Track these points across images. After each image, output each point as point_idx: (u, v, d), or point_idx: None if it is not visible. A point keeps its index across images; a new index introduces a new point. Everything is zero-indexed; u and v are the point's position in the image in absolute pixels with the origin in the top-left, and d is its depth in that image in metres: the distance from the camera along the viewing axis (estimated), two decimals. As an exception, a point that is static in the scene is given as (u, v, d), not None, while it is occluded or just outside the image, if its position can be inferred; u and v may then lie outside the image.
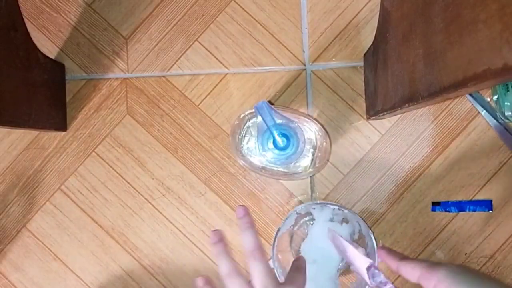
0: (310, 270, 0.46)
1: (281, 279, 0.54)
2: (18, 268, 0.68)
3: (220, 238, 0.44)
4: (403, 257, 0.44)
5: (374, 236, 0.55)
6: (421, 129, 0.66)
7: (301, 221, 0.63)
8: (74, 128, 0.68)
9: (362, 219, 0.57)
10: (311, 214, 0.62)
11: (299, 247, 0.62)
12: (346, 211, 0.57)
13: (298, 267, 0.45)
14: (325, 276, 0.57)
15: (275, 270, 0.56)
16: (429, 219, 0.66)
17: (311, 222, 0.63)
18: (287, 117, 0.54)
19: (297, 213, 0.59)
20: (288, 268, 0.46)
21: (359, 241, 0.61)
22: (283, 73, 0.67)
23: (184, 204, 0.67)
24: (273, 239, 0.57)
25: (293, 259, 0.48)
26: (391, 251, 0.47)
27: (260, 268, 0.40)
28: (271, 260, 0.56)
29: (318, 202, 0.61)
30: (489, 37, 0.28)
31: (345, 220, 0.61)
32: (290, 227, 0.62)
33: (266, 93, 0.67)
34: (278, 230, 0.57)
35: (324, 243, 0.60)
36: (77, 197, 0.68)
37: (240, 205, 0.46)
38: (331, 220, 0.61)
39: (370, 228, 0.56)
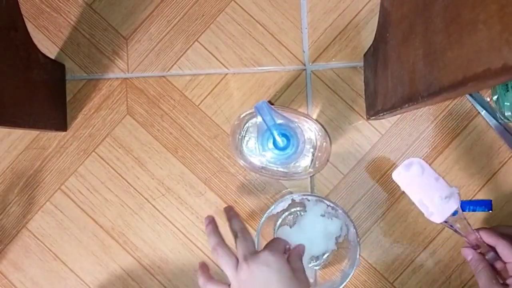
0: None
1: None
2: (18, 268, 0.68)
3: (210, 221, 0.52)
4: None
5: (360, 246, 0.57)
6: (421, 129, 0.66)
7: (292, 210, 0.64)
8: (74, 128, 0.68)
9: (353, 224, 0.57)
10: (304, 205, 0.62)
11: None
12: (339, 211, 0.58)
13: (277, 239, 0.51)
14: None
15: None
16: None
17: (302, 213, 0.63)
18: (287, 117, 0.54)
19: (292, 199, 0.59)
20: None
21: (342, 245, 0.62)
22: (283, 73, 0.67)
23: (184, 204, 0.67)
24: (262, 218, 0.58)
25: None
26: (484, 228, 0.57)
27: (242, 242, 0.48)
28: (255, 237, 0.58)
29: (315, 194, 0.61)
30: (489, 37, 0.29)
31: (335, 216, 0.62)
32: (281, 211, 0.62)
33: (266, 93, 0.67)
34: (269, 211, 0.58)
35: (311, 235, 0.62)
36: (77, 197, 0.68)
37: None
38: (322, 215, 0.62)
39: (359, 237, 0.58)
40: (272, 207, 0.58)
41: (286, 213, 0.64)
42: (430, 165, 0.66)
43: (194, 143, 0.67)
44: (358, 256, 0.56)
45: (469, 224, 0.56)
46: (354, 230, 0.57)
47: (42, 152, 0.68)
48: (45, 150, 0.68)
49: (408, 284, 0.66)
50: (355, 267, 0.56)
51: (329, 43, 0.67)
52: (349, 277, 0.56)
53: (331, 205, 0.58)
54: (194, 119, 0.67)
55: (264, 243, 0.57)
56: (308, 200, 0.62)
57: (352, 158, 0.66)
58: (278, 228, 0.64)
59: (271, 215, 0.59)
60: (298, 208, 0.64)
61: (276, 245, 0.48)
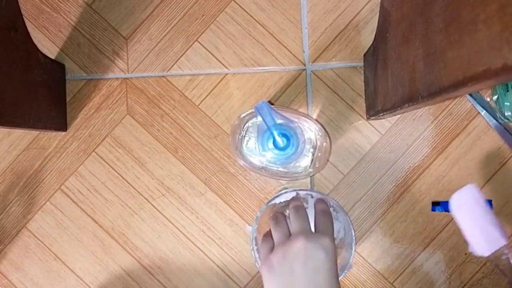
0: None
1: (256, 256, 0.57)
2: (18, 268, 0.68)
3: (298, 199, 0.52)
4: None
5: (354, 253, 0.56)
6: (421, 129, 0.66)
7: None
8: (74, 128, 0.68)
9: (353, 228, 0.57)
10: (306, 202, 0.62)
11: None
12: (340, 214, 0.58)
13: (324, 210, 0.50)
14: None
15: (252, 238, 0.57)
16: (429, 219, 0.66)
17: None
18: (287, 117, 0.54)
19: (297, 192, 0.59)
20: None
21: (336, 247, 0.61)
22: (283, 73, 0.67)
23: (184, 204, 0.67)
24: (263, 205, 0.57)
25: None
26: None
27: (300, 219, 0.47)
28: (252, 228, 0.57)
29: (320, 192, 0.61)
30: (489, 37, 0.29)
31: (335, 218, 0.61)
32: (283, 202, 0.62)
33: (266, 93, 0.67)
34: (271, 199, 0.57)
35: None
36: (77, 197, 0.68)
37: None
38: None
39: (356, 242, 0.57)
40: (276, 196, 0.58)
41: (287, 206, 0.64)
42: (430, 165, 0.66)
43: (194, 143, 0.67)
44: (351, 261, 0.56)
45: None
46: (353, 235, 0.57)
47: (42, 152, 0.68)
48: (45, 150, 0.68)
49: (408, 284, 0.66)
50: (345, 271, 0.56)
51: (329, 43, 0.67)
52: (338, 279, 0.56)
53: (334, 205, 0.58)
54: (194, 119, 0.67)
55: (260, 229, 0.57)
56: (312, 197, 0.62)
57: (352, 158, 0.67)
58: None
59: (271, 205, 0.59)
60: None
61: (332, 232, 0.46)
